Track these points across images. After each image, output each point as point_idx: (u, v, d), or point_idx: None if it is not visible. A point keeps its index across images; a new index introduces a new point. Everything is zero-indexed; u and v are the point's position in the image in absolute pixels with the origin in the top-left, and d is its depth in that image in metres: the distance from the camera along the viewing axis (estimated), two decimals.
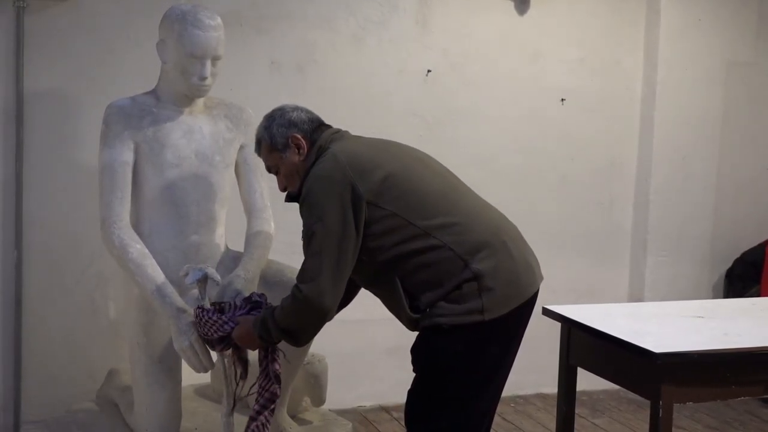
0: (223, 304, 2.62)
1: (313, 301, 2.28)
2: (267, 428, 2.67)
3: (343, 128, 2.55)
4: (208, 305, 2.64)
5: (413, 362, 2.42)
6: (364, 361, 4.20)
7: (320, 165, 2.34)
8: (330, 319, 2.36)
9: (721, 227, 4.83)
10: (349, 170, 2.29)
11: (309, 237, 2.29)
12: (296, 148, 2.45)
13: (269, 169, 2.54)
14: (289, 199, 2.49)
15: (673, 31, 4.63)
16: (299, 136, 2.45)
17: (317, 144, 2.43)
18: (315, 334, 2.45)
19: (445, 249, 2.29)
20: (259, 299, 2.62)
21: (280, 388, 2.66)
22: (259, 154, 2.55)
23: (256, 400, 2.65)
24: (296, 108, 2.51)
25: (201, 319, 2.58)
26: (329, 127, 2.52)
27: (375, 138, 2.56)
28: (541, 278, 2.49)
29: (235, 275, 2.84)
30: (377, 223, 2.30)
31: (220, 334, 2.55)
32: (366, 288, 2.52)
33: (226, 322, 2.54)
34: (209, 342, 2.63)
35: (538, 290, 2.45)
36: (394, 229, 2.30)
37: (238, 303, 2.63)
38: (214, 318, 2.55)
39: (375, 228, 2.30)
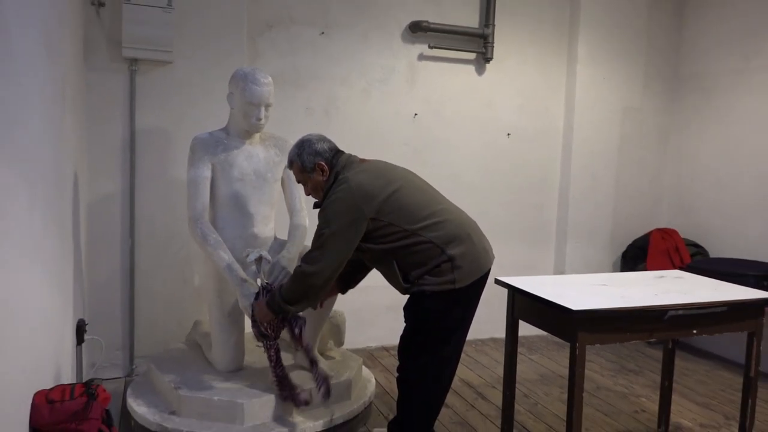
0: (268, 285, 2.58)
1: (307, 275, 2.27)
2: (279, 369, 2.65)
3: (357, 154, 2.50)
4: (263, 277, 2.62)
5: (405, 316, 2.41)
6: (370, 315, 4.18)
7: (338, 191, 2.30)
8: (318, 295, 2.32)
9: (619, 223, 4.81)
10: (358, 197, 2.26)
11: (318, 236, 2.28)
12: (321, 171, 2.42)
13: (299, 181, 2.50)
14: (316, 206, 2.45)
15: (585, 86, 4.62)
16: (323, 163, 2.41)
17: (335, 169, 2.40)
18: (306, 304, 2.37)
19: (428, 242, 2.29)
20: None
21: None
22: (291, 169, 2.51)
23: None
24: (320, 139, 2.46)
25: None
26: (343, 152, 2.47)
27: (376, 163, 2.47)
28: (494, 258, 2.48)
29: (281, 256, 2.84)
30: (379, 230, 2.29)
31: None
32: (372, 266, 2.50)
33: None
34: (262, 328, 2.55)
35: (490, 268, 2.44)
36: (391, 233, 2.29)
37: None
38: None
39: (377, 233, 2.29)
